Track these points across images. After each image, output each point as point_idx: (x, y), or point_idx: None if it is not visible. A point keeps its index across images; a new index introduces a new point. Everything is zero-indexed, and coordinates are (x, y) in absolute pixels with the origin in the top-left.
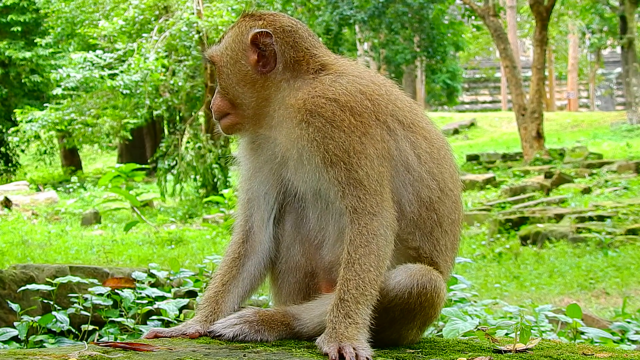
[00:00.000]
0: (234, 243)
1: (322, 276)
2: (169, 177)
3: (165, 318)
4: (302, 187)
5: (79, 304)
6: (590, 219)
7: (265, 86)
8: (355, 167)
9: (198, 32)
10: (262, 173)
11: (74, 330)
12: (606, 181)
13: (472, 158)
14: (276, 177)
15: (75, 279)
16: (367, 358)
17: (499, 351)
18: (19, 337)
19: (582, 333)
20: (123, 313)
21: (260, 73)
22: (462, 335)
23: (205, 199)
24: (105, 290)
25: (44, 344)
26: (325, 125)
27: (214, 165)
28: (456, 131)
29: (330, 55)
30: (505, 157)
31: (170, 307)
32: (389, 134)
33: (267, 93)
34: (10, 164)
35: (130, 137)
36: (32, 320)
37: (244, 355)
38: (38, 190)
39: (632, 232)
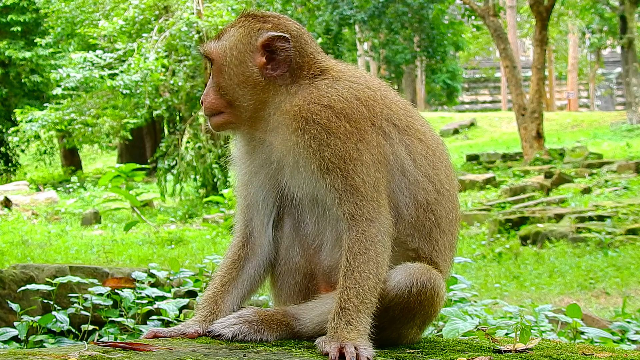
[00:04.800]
0: (234, 246)
1: (321, 278)
2: (169, 177)
3: (165, 318)
4: (298, 192)
5: (79, 304)
6: (590, 219)
7: (265, 89)
8: (352, 174)
9: (198, 32)
10: (258, 178)
11: (74, 330)
12: (606, 181)
13: (472, 158)
14: (273, 182)
15: (75, 279)
16: (367, 358)
17: (499, 351)
18: (19, 337)
19: (582, 333)
20: (123, 313)
21: (266, 76)
22: (462, 335)
23: (205, 199)
24: (105, 290)
25: (44, 344)
26: (321, 132)
27: (214, 165)
28: (456, 131)
29: (330, 60)
30: (505, 157)
31: (170, 307)
32: (384, 138)
33: (265, 96)
34: (10, 164)
35: (130, 137)
36: (32, 320)
37: (244, 355)
38: (38, 190)
39: (632, 232)
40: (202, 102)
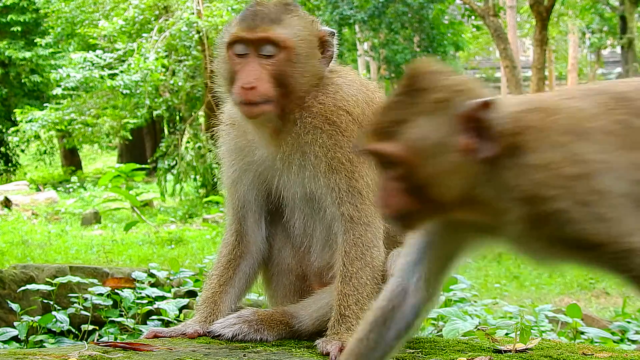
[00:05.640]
0: (229, 244)
1: (314, 279)
2: (169, 177)
3: (165, 318)
4: (290, 191)
5: (79, 304)
6: None
7: (312, 83)
8: (357, 177)
9: (198, 32)
10: (247, 176)
11: (74, 330)
12: None
13: None
14: (261, 181)
15: (75, 279)
16: None
17: (499, 351)
18: (19, 337)
19: (582, 333)
20: (123, 313)
21: (322, 69)
22: (462, 335)
23: (205, 199)
24: (105, 290)
25: (44, 344)
26: (338, 133)
27: (214, 165)
28: None
29: None
30: None
31: (170, 307)
32: None
33: (308, 89)
34: (10, 164)
35: (130, 137)
36: (32, 320)
37: (244, 355)
38: (38, 190)
39: None
40: (250, 88)
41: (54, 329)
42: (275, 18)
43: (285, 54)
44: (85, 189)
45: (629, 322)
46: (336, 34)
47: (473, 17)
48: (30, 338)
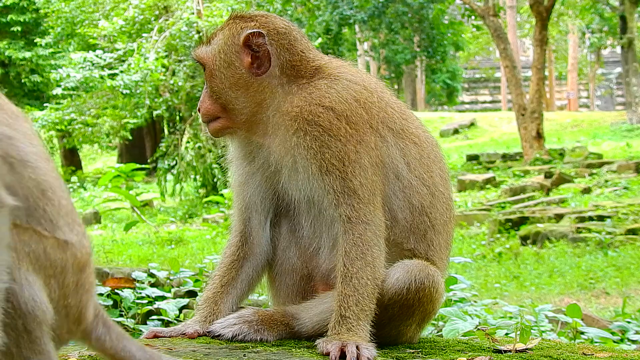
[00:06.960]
0: (232, 245)
1: (319, 280)
2: (169, 177)
3: (165, 318)
4: (295, 194)
5: None
6: (590, 219)
7: (259, 90)
8: (350, 177)
9: (198, 32)
10: (255, 179)
11: None
12: (606, 181)
13: (472, 158)
14: (269, 184)
15: None
16: (368, 358)
17: (499, 351)
18: None
19: (582, 333)
20: (123, 313)
21: (255, 75)
22: (462, 335)
23: (205, 199)
24: (105, 290)
25: None
26: (323, 134)
27: (214, 165)
28: (456, 131)
29: (323, 58)
30: (505, 157)
31: (170, 307)
32: (381, 141)
33: (261, 97)
34: None
35: (130, 137)
36: None
37: (244, 355)
38: None
39: (632, 232)
40: (199, 110)
41: None
42: (210, 37)
43: (207, 70)
44: (85, 189)
45: (629, 322)
46: (263, 32)
47: (473, 17)
48: None
